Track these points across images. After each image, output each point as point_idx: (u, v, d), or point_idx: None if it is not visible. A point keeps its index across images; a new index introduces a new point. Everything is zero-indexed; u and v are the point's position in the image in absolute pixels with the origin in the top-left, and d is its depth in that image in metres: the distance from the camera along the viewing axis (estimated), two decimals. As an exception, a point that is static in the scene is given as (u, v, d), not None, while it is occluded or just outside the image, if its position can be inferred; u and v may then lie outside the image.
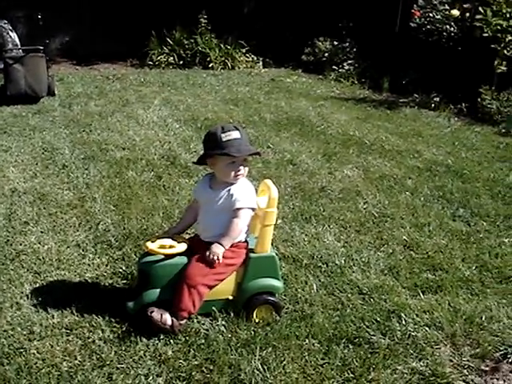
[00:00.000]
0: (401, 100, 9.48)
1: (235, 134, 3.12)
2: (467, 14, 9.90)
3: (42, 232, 4.20)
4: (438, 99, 9.03)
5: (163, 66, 11.58)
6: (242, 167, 3.16)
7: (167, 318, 3.00)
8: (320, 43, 11.66)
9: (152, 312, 2.99)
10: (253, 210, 3.21)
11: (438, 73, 9.33)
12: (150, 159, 5.84)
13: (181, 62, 11.70)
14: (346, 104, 9.04)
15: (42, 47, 8.58)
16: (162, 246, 3.11)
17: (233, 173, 3.14)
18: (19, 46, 9.20)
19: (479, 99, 8.54)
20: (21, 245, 4.00)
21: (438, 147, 6.86)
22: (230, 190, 3.16)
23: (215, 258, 3.08)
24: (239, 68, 11.81)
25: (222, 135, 3.10)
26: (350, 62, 11.32)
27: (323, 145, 6.65)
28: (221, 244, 3.11)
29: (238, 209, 3.14)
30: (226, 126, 3.19)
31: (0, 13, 9.86)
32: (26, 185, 5.09)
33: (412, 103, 9.22)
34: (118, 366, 2.81)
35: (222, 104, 8.56)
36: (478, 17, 8.76)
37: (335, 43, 11.57)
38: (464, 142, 7.17)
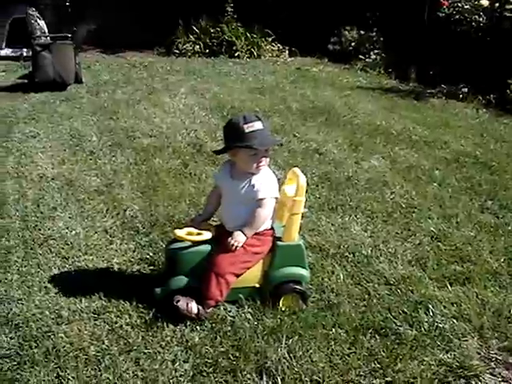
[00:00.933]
0: (428, 90, 9.38)
1: (258, 125, 3.06)
2: (496, 4, 9.76)
3: (69, 217, 4.24)
4: (466, 90, 8.92)
5: (189, 54, 11.62)
6: (264, 158, 3.13)
7: (193, 307, 3.01)
8: (346, 32, 11.60)
9: (178, 301, 3.00)
10: (276, 199, 3.19)
11: (466, 63, 9.20)
12: (176, 147, 5.85)
13: (207, 51, 11.73)
14: (372, 94, 8.97)
15: (69, 35, 8.64)
16: (190, 233, 3.12)
17: (255, 164, 3.11)
18: (47, 34, 9.28)
19: (508, 90, 8.42)
20: (49, 230, 4.04)
21: (466, 138, 6.78)
22: (251, 180, 3.12)
23: (236, 245, 3.07)
24: (265, 57, 11.80)
25: (245, 126, 3.04)
26: (376, 51, 11.24)
27: (350, 134, 6.61)
28: (243, 233, 3.10)
29: (261, 199, 3.11)
30: (248, 116, 3.12)
31: (28, 1, 9.93)
32: (54, 171, 5.14)
33: (440, 94, 9.13)
34: (145, 350, 2.82)
35: (247, 92, 8.54)
36: (507, 7, 8.62)
37: (362, 32, 11.50)
38: (492, 134, 7.07)
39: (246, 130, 3.04)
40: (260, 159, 3.11)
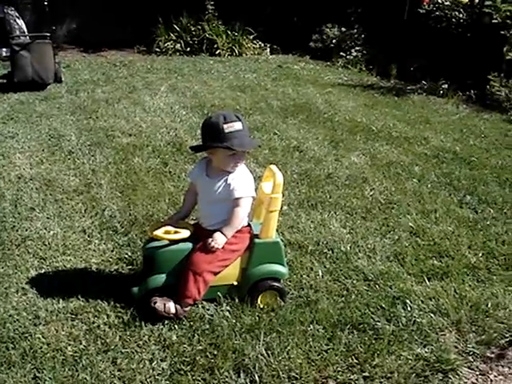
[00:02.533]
0: (409, 87, 9.42)
1: (237, 126, 3.04)
2: (476, 0, 9.84)
3: (47, 218, 4.21)
4: (446, 86, 8.98)
5: (170, 52, 11.56)
6: (241, 158, 3.13)
7: (171, 307, 3.01)
8: (328, 30, 11.60)
9: (155, 303, 2.99)
10: (252, 198, 3.18)
11: (446, 60, 9.27)
12: (156, 146, 5.83)
13: (188, 49, 11.67)
14: (353, 91, 8.99)
15: (48, 34, 8.57)
16: (167, 232, 3.11)
17: (232, 163, 3.10)
18: (26, 33, 9.19)
19: (488, 86, 8.49)
20: (26, 230, 4.01)
21: (446, 134, 6.82)
22: (227, 179, 3.11)
23: (216, 247, 3.06)
24: (246, 55, 11.77)
25: (225, 126, 3.01)
26: (358, 48, 11.27)
27: (330, 131, 6.62)
28: (223, 233, 3.09)
29: (238, 198, 3.10)
30: (228, 115, 3.08)
31: (6, 0, 9.83)
32: (33, 171, 5.10)
33: (420, 90, 9.17)
34: (123, 350, 2.82)
35: (228, 91, 8.53)
36: (487, 3, 8.71)
37: (343, 30, 11.51)
38: (472, 129, 7.12)
39: (226, 130, 3.01)
40: (238, 159, 3.10)
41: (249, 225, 3.23)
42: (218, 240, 3.07)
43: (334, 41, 11.52)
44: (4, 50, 10.24)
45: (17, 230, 4.01)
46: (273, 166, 3.24)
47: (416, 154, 5.98)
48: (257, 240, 3.18)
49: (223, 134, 3.01)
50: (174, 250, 3.08)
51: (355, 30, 11.43)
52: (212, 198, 3.16)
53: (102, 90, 8.31)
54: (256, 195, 3.22)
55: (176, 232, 3.11)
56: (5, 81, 8.70)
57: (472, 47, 9.10)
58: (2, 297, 3.23)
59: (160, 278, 3.06)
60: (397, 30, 10.47)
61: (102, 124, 6.54)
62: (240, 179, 3.11)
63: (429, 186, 5.12)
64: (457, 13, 9.80)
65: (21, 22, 10.06)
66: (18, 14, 10.35)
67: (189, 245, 3.10)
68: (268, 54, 11.95)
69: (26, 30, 9.89)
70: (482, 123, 7.48)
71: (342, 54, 11.23)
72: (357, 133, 6.59)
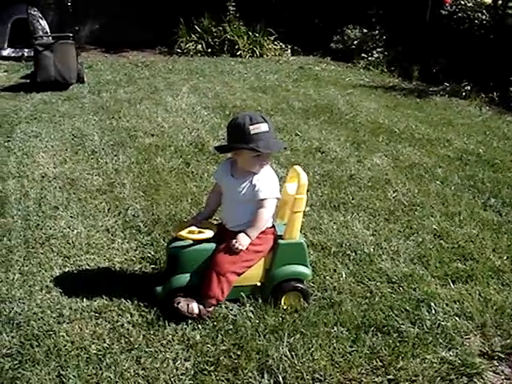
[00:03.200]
0: (431, 88, 9.36)
1: (264, 127, 3.02)
2: (499, 2, 9.74)
3: (71, 217, 4.24)
4: (469, 88, 8.89)
5: (191, 53, 11.60)
6: (267, 159, 3.12)
7: (194, 307, 3.00)
8: (349, 31, 11.56)
9: (179, 303, 2.99)
10: (277, 199, 3.17)
11: (469, 61, 9.19)
12: (178, 146, 5.85)
13: (209, 50, 11.70)
14: (375, 92, 8.94)
15: (71, 34, 8.64)
16: (191, 232, 3.11)
17: (258, 165, 3.09)
18: (49, 33, 9.27)
19: (511, 88, 8.39)
20: (50, 229, 4.04)
21: (469, 136, 6.75)
22: (252, 180, 3.09)
23: (240, 248, 3.05)
24: (267, 56, 11.77)
25: (251, 127, 2.99)
26: (379, 49, 11.20)
27: (352, 133, 6.59)
28: (247, 235, 3.08)
29: (263, 199, 3.09)
30: (254, 116, 3.07)
31: (30, 0, 9.93)
32: (56, 170, 5.14)
33: (442, 92, 9.10)
34: (147, 349, 2.82)
35: (250, 91, 8.53)
36: (510, 4, 8.60)
37: (364, 31, 11.46)
38: (495, 132, 7.05)
39: (252, 132, 3.00)
40: (263, 161, 3.10)
41: (273, 226, 3.22)
42: (242, 241, 3.06)
43: (355, 42, 11.47)
44: (26, 50, 10.36)
45: (41, 229, 4.04)
46: (297, 167, 3.23)
47: (439, 156, 5.93)
48: (281, 241, 3.17)
49: (249, 136, 3.00)
50: (197, 250, 3.08)
51: (377, 32, 11.37)
52: (236, 199, 3.15)
53: (124, 90, 8.36)
54: (280, 196, 3.21)
55: (200, 232, 3.11)
56: (28, 81, 8.82)
57: (495, 49, 9.01)
58: (27, 295, 3.25)
59: (184, 278, 3.06)
60: (419, 32, 10.41)
61: (125, 124, 6.58)
62: (265, 180, 3.10)
63: (452, 188, 5.07)
64: (479, 14, 9.71)
65: (44, 22, 10.19)
66: (40, 15, 10.51)
67: (212, 245, 3.10)
68: (289, 55, 11.94)
69: (48, 31, 10.03)
70: (506, 125, 7.40)
71: (363, 55, 11.18)
72: (379, 134, 6.55)
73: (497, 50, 8.96)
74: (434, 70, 9.81)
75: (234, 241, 3.06)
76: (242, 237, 3.08)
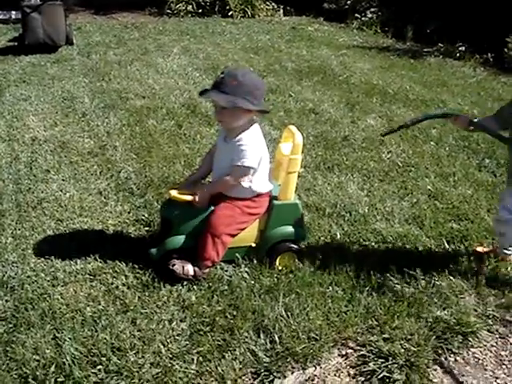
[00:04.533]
0: (425, 49, 9.27)
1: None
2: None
3: (63, 180, 4.20)
4: (463, 49, 8.82)
5: (182, 14, 11.43)
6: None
7: (189, 269, 2.99)
8: (342, -10, 11.40)
9: (174, 265, 2.98)
10: (251, 169, 3.01)
11: (463, 22, 9.06)
12: (170, 108, 5.78)
13: (200, 11, 11.54)
14: (368, 53, 8.86)
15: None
16: (185, 193, 3.08)
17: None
18: (37, -5, 9.07)
19: (505, 49, 8.31)
20: (42, 192, 4.00)
21: (463, 97, 6.71)
22: (238, 144, 2.98)
23: (198, 205, 3.01)
24: (259, 16, 11.62)
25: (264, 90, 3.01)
26: (373, 10, 11.08)
27: (346, 94, 6.53)
28: (205, 190, 3.05)
29: (235, 166, 2.99)
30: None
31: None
32: (47, 133, 5.07)
33: (436, 52, 9.03)
34: (142, 311, 2.81)
35: (242, 52, 8.42)
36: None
37: (358, -10, 11.29)
38: (490, 93, 7.01)
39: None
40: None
41: (269, 191, 3.17)
42: (199, 198, 3.01)
43: (348, 2, 11.32)
44: (14, 12, 10.16)
45: (32, 192, 4.00)
46: (292, 127, 3.18)
47: (433, 117, 5.89)
48: (275, 202, 3.14)
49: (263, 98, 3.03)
50: (191, 212, 3.05)
51: (370, -9, 11.23)
52: (224, 161, 3.08)
53: (113, 52, 8.25)
54: (256, 167, 3.06)
55: (193, 194, 3.07)
56: (16, 43, 8.66)
57: (490, 9, 8.88)
58: (20, 258, 3.23)
59: (178, 240, 3.04)
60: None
61: (115, 86, 6.49)
62: (246, 147, 2.98)
63: (447, 148, 5.05)
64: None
65: (31, -17, 9.92)
66: (28, -24, 10.22)
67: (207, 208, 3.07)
68: (281, 15, 11.79)
69: (36, -8, 9.76)
70: (500, 86, 7.36)
71: (356, 15, 11.06)
72: (373, 95, 6.50)
73: (492, 10, 8.83)
74: (428, 31, 9.69)
75: (195, 196, 3.01)
76: (199, 193, 3.03)
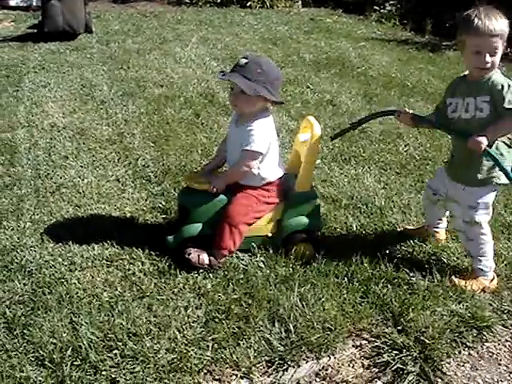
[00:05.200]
0: (444, 43, 9.19)
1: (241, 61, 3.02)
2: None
3: (81, 166, 4.23)
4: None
5: (200, 4, 11.43)
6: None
7: (204, 258, 3.01)
8: (362, -18, 11.32)
9: (189, 254, 3.00)
10: (259, 153, 3.02)
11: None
12: (188, 97, 5.79)
13: (218, 1, 11.53)
14: (387, 45, 8.80)
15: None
16: (202, 182, 3.09)
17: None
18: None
19: (527, 43, 8.22)
20: (61, 178, 4.03)
21: (482, 91, 6.65)
22: (248, 129, 3.00)
23: (215, 191, 3.03)
24: (278, 7, 11.58)
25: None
26: (392, 2, 11.00)
27: (364, 86, 6.50)
28: (219, 180, 3.07)
29: (243, 150, 3.02)
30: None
31: None
32: (65, 120, 5.11)
33: (456, 46, 8.92)
34: (158, 297, 2.83)
35: (260, 43, 8.41)
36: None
37: (377, -18, 11.22)
38: (509, 87, 6.93)
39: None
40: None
41: (284, 176, 3.19)
42: (214, 186, 3.04)
43: (367, -6, 11.25)
44: (35, 0, 10.21)
45: (51, 178, 4.03)
46: (310, 117, 3.19)
47: (451, 111, 5.85)
48: (292, 192, 3.15)
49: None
50: (209, 200, 3.06)
51: (390, -16, 11.15)
52: (236, 147, 3.09)
53: (132, 40, 8.27)
54: (264, 152, 3.07)
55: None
56: (35, 31, 8.70)
57: (508, 2, 8.78)
58: (38, 243, 3.26)
59: (195, 228, 3.05)
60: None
61: (134, 74, 6.52)
62: (256, 132, 3.00)
63: None
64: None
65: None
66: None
67: (223, 196, 3.08)
68: (300, 6, 11.74)
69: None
70: (520, 81, 7.27)
71: (375, 7, 10.98)
72: (391, 88, 6.47)
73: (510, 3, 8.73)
74: (448, 25, 9.61)
75: (211, 185, 3.03)
76: (214, 179, 3.06)
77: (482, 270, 3.08)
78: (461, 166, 3.04)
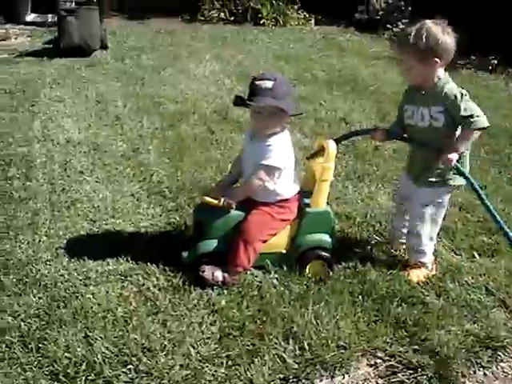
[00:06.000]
0: (457, 61, 9.18)
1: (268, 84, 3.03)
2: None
3: (96, 181, 4.26)
4: (495, 61, 8.72)
5: (214, 21, 11.52)
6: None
7: (218, 275, 3.02)
8: (374, 1, 11.37)
9: (203, 271, 3.01)
10: (276, 168, 3.04)
11: (495, 33, 8.98)
12: (202, 113, 5.83)
13: (232, 18, 11.62)
14: (399, 64, 8.81)
15: (95, 0, 8.59)
16: (218, 199, 3.10)
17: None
18: (73, -1, 9.22)
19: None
20: (76, 193, 4.06)
21: (495, 110, 6.63)
22: (266, 144, 3.02)
23: (226, 206, 3.03)
24: (291, 25, 11.65)
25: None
26: (404, 21, 10.99)
27: (376, 104, 6.52)
28: (232, 195, 3.07)
29: (259, 164, 3.02)
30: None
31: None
32: (81, 135, 5.15)
33: (468, 65, 8.95)
34: (172, 313, 2.84)
35: (273, 60, 8.47)
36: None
37: (390, 1, 11.28)
38: (521, 107, 6.94)
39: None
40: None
41: (299, 193, 3.20)
42: (228, 202, 3.03)
43: (380, 13, 11.30)
44: (50, 15, 10.34)
45: (66, 193, 4.07)
46: (325, 136, 3.20)
47: (464, 130, 5.84)
48: (307, 209, 3.16)
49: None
50: (224, 217, 3.08)
51: (402, 2, 11.17)
52: (249, 163, 3.12)
53: (147, 57, 8.35)
54: (282, 167, 3.08)
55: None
56: (51, 46, 8.80)
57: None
58: (53, 257, 3.28)
59: (210, 244, 3.07)
60: (444, 2, 10.17)
61: (148, 91, 6.57)
62: (273, 147, 3.02)
63: (478, 162, 4.99)
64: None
65: (68, -13, 10.07)
66: (64, -20, 10.38)
67: (239, 212, 3.09)
68: (312, 24, 11.81)
69: (72, -4, 9.91)
70: (532, 101, 7.28)
71: (388, 26, 11.01)
72: (404, 106, 6.46)
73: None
74: (460, 43, 9.60)
75: (223, 200, 3.03)
76: (228, 198, 3.04)
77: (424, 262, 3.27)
78: (418, 168, 3.21)
